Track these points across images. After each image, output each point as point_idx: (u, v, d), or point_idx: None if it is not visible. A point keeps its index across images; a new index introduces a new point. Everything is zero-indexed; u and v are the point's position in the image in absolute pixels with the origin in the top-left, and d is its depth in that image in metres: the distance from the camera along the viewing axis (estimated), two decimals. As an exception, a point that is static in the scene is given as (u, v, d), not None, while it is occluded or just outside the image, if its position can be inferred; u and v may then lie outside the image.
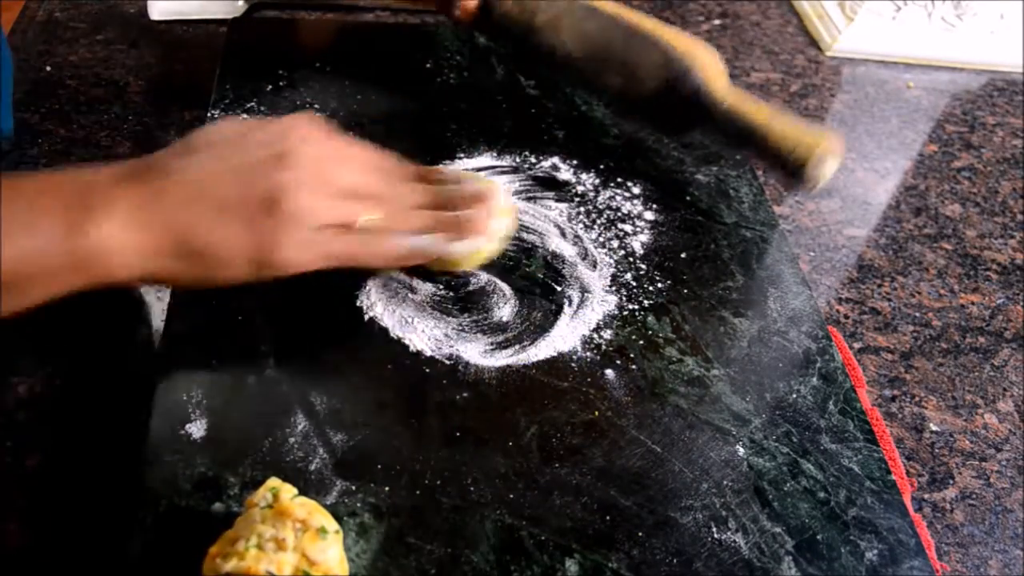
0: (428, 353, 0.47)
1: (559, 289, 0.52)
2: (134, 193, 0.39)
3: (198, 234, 0.40)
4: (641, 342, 0.49)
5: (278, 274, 0.42)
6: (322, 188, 0.42)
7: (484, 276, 0.51)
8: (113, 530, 0.39)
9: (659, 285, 0.53)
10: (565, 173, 0.60)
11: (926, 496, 0.48)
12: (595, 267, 0.53)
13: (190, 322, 0.46)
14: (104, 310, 0.51)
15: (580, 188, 0.59)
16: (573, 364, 0.47)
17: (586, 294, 0.51)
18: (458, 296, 0.50)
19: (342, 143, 0.46)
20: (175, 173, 0.40)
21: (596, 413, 0.45)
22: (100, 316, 0.50)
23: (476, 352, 0.47)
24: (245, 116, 0.60)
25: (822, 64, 0.83)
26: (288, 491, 0.37)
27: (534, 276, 0.52)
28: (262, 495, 0.36)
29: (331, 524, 0.36)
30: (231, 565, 0.34)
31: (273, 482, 0.37)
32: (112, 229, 0.38)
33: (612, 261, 0.54)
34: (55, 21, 0.72)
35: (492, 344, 0.48)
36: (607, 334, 0.49)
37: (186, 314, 0.47)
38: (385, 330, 0.48)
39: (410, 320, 0.48)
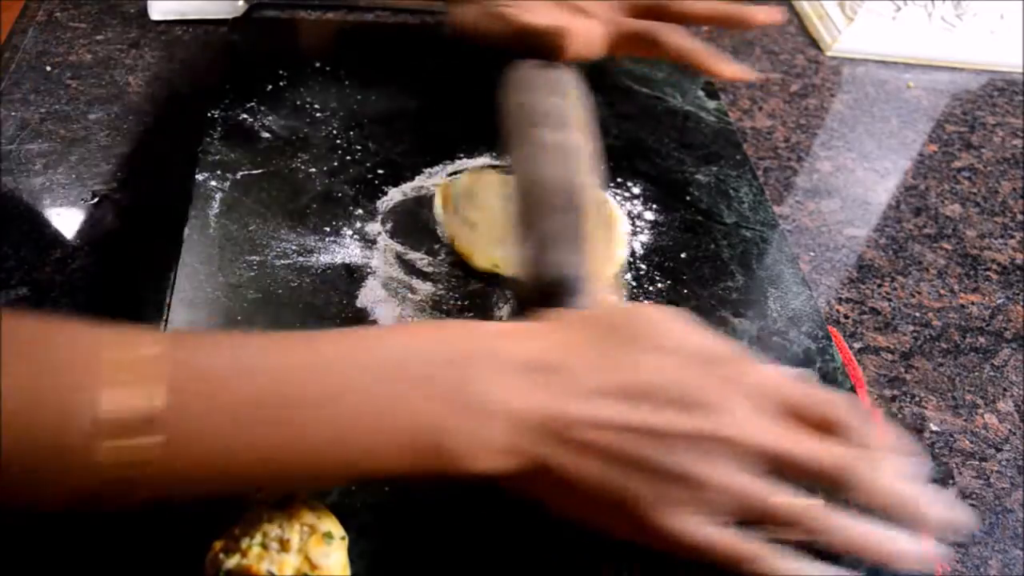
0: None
1: (559, 289, 0.52)
2: (522, 407, 0.33)
3: (566, 472, 0.34)
4: (641, 342, 0.49)
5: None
6: (735, 481, 0.34)
7: (484, 276, 0.51)
8: (113, 530, 0.39)
9: (659, 285, 0.53)
10: (565, 173, 0.60)
11: (926, 496, 0.48)
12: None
13: (190, 322, 0.46)
14: (104, 309, 0.51)
15: (580, 188, 0.59)
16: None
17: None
18: (458, 296, 0.50)
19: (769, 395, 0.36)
20: (574, 398, 0.34)
21: (596, 413, 0.45)
22: (101, 315, 0.50)
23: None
24: (245, 116, 0.60)
25: (822, 64, 0.83)
26: (301, 493, 0.37)
27: (534, 276, 0.52)
28: (276, 495, 0.36)
29: (338, 530, 0.36)
30: (233, 562, 0.34)
31: None
32: (484, 442, 0.33)
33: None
34: (55, 21, 0.72)
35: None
36: (607, 334, 0.49)
37: (187, 314, 0.47)
38: (385, 330, 0.48)
39: (410, 320, 0.48)
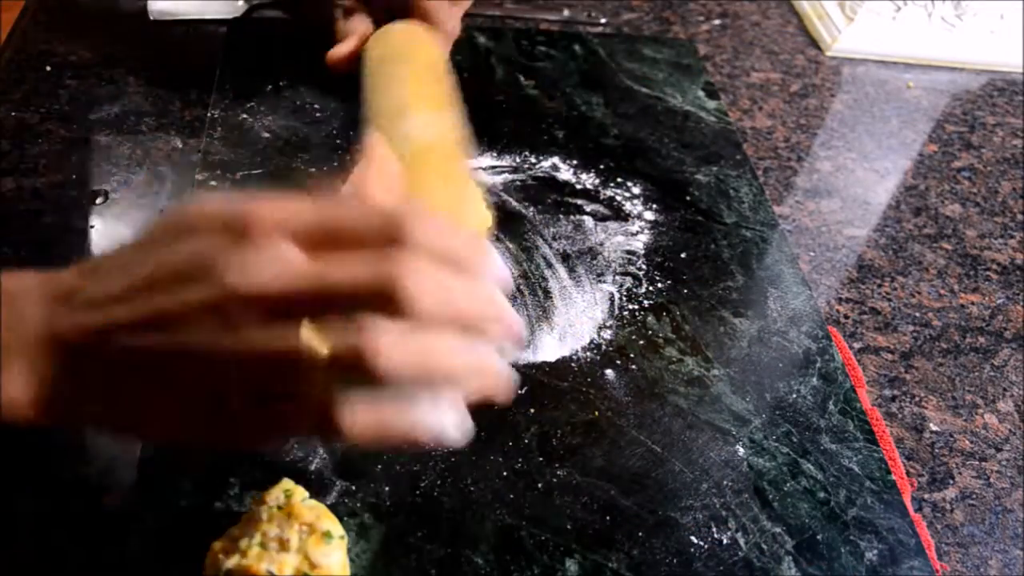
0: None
1: (559, 289, 0.52)
2: (51, 332, 0.31)
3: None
4: (641, 342, 0.49)
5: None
6: (259, 344, 0.28)
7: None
8: (113, 530, 0.39)
9: (659, 285, 0.53)
10: (565, 173, 0.60)
11: (926, 496, 0.48)
12: (595, 267, 0.53)
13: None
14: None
15: (580, 188, 0.59)
16: (573, 364, 0.47)
17: (586, 294, 0.51)
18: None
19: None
20: (93, 309, 0.31)
21: (596, 413, 0.45)
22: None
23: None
24: (245, 116, 0.60)
25: (822, 64, 0.83)
26: (300, 494, 0.37)
27: (534, 276, 0.52)
28: (275, 495, 0.36)
29: (337, 529, 0.36)
30: (233, 562, 0.34)
31: (286, 484, 0.37)
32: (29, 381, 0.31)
33: (612, 261, 0.54)
34: (55, 21, 0.71)
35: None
36: (607, 334, 0.49)
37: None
38: (385, 330, 0.47)
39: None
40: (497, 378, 0.30)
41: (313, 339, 0.28)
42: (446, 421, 0.29)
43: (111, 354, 0.30)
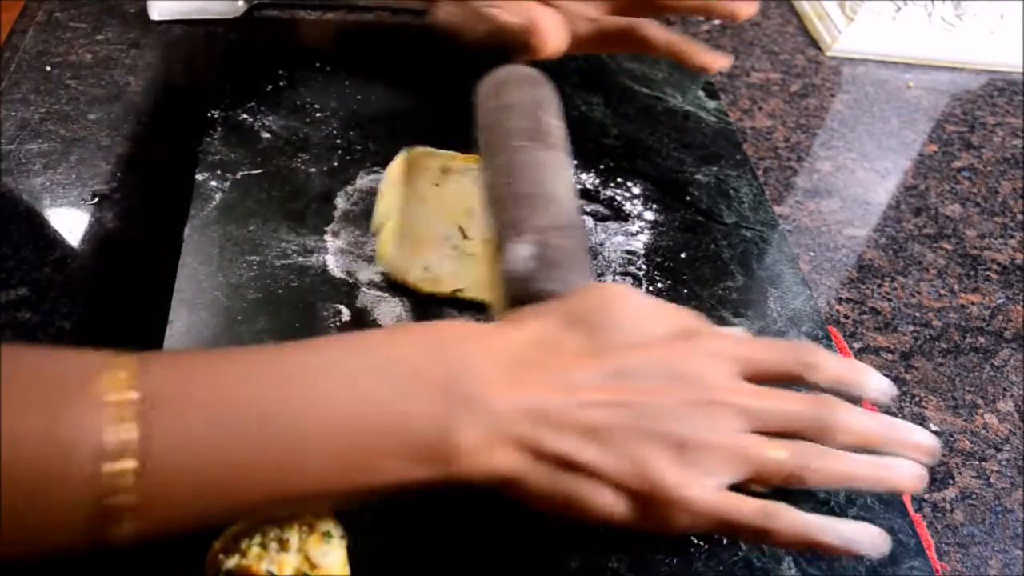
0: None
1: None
2: (521, 403, 0.33)
3: (580, 466, 0.34)
4: (641, 342, 0.49)
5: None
6: (740, 443, 0.35)
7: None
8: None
9: (659, 285, 0.53)
10: (565, 173, 0.60)
11: (926, 496, 0.48)
12: (595, 267, 0.53)
13: (190, 322, 0.46)
14: (104, 309, 0.51)
15: (580, 188, 0.59)
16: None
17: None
18: (457, 296, 0.50)
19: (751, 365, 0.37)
20: (570, 384, 0.34)
21: (596, 413, 0.45)
22: (101, 315, 0.50)
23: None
24: (245, 116, 0.60)
25: (822, 64, 0.83)
26: None
27: (534, 276, 0.52)
28: None
29: (337, 529, 0.36)
30: (233, 562, 0.34)
31: None
32: (487, 438, 0.32)
33: (612, 261, 0.54)
34: (55, 21, 0.72)
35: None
36: (607, 334, 0.49)
37: (187, 314, 0.47)
38: (385, 330, 0.48)
39: (410, 320, 0.48)
40: (901, 478, 0.37)
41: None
42: (857, 534, 0.36)
43: (579, 424, 0.34)
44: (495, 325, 0.37)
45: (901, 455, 0.37)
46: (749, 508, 0.35)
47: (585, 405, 0.34)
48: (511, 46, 0.55)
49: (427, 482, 0.32)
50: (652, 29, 0.56)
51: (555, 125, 0.50)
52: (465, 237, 0.52)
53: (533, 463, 0.33)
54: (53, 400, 0.28)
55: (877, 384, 0.38)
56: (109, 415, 0.28)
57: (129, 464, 0.28)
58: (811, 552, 0.38)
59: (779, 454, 0.35)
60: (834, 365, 0.37)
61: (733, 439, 0.35)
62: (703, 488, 0.34)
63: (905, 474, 0.37)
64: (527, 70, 0.53)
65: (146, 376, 0.30)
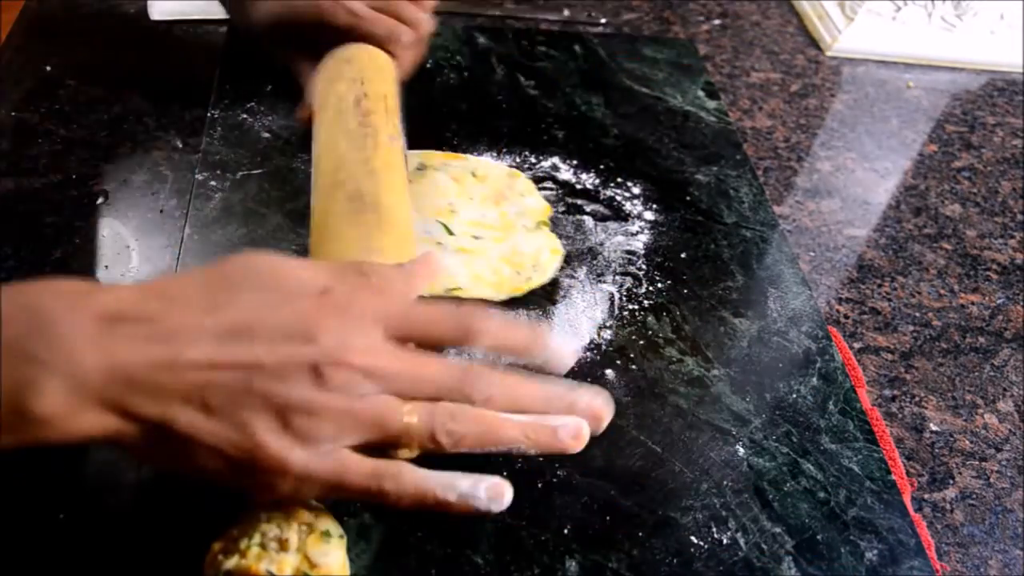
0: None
1: (559, 289, 0.51)
2: (107, 361, 0.31)
3: (179, 428, 0.32)
4: (641, 342, 0.49)
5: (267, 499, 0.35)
6: (360, 405, 0.33)
7: (484, 276, 0.51)
8: (113, 529, 0.39)
9: (659, 285, 0.53)
10: (565, 173, 0.60)
11: (926, 496, 0.48)
12: (595, 267, 0.53)
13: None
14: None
15: (580, 188, 0.59)
16: (573, 364, 0.47)
17: (586, 294, 0.51)
18: (454, 295, 0.50)
19: (372, 319, 0.35)
20: (165, 345, 0.32)
21: (596, 413, 0.45)
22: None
23: (476, 352, 0.47)
24: (245, 116, 0.60)
25: (822, 64, 0.83)
26: None
27: (534, 276, 0.52)
28: None
29: (336, 529, 0.36)
30: (232, 563, 0.34)
31: None
32: (70, 401, 0.30)
33: (612, 261, 0.54)
34: (55, 21, 0.71)
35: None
36: (607, 334, 0.49)
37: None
38: (385, 330, 0.47)
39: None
40: (554, 438, 0.36)
41: None
42: (474, 488, 0.35)
43: (177, 387, 0.32)
44: (111, 285, 0.35)
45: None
46: (361, 470, 0.34)
47: (188, 367, 0.32)
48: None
49: (18, 446, 0.31)
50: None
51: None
52: (450, 233, 0.52)
53: (128, 425, 0.32)
54: None
55: (554, 352, 0.37)
56: None
57: None
58: (438, 509, 0.35)
59: (410, 418, 0.34)
60: (498, 331, 0.36)
61: (353, 402, 0.33)
62: (309, 454, 0.33)
63: (561, 434, 0.36)
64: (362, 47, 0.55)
65: None
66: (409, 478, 0.34)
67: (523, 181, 0.57)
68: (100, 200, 0.56)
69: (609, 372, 0.47)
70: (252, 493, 0.35)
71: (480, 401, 0.35)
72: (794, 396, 0.48)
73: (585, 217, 0.57)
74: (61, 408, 0.30)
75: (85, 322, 0.31)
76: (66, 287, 0.32)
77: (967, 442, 0.51)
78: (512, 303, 0.50)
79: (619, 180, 0.60)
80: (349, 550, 0.37)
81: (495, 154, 0.60)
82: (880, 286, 0.60)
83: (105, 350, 0.31)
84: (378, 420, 0.34)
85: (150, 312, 0.32)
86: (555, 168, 0.60)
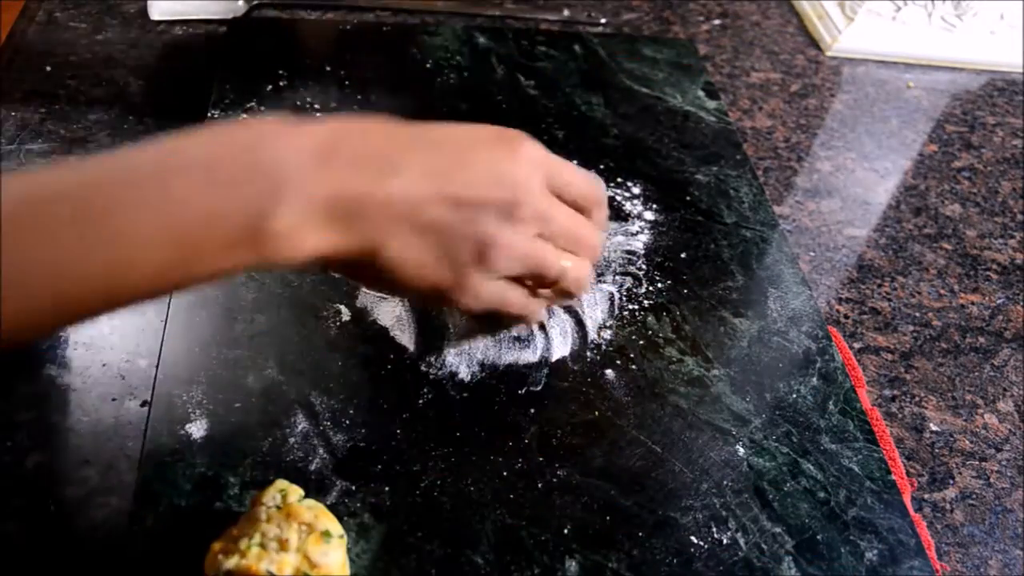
0: (428, 353, 0.47)
1: (559, 289, 0.52)
2: (334, 188, 0.34)
3: (390, 254, 0.36)
4: (641, 342, 0.49)
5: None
6: (534, 247, 0.40)
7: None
8: (113, 530, 0.39)
9: (659, 285, 0.53)
10: (565, 173, 0.60)
11: (926, 496, 0.48)
12: (595, 267, 0.53)
13: (190, 322, 0.46)
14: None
15: (580, 188, 0.59)
16: (573, 364, 0.47)
17: (586, 294, 0.51)
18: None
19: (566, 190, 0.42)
20: (386, 178, 0.36)
21: (596, 413, 0.45)
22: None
23: (476, 352, 0.47)
24: (245, 116, 0.60)
25: (822, 64, 0.83)
26: (295, 493, 0.37)
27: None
28: (271, 495, 0.36)
29: (336, 528, 0.36)
30: (232, 563, 0.34)
31: (281, 484, 0.37)
32: (301, 221, 0.34)
33: (612, 261, 0.54)
34: (55, 21, 0.71)
35: (492, 344, 0.48)
36: (607, 334, 0.49)
37: (186, 314, 0.47)
38: (385, 330, 0.48)
39: (409, 320, 0.48)
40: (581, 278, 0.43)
41: None
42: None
43: (391, 215, 0.36)
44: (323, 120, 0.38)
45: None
46: (518, 300, 0.41)
47: (400, 199, 0.36)
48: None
49: (250, 267, 0.34)
50: None
51: None
52: None
53: (346, 246, 0.35)
54: None
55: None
56: None
57: None
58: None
59: (566, 263, 0.41)
60: (605, 215, 0.44)
61: (526, 243, 0.39)
62: (487, 279, 0.39)
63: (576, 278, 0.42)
64: None
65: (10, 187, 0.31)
66: (535, 307, 0.43)
67: None
68: (100, 200, 0.56)
69: (609, 372, 0.47)
70: (430, 304, 0.45)
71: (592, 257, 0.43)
72: (794, 396, 0.48)
73: (585, 217, 0.57)
74: (292, 228, 0.33)
75: (304, 156, 0.34)
76: (275, 124, 0.35)
77: (967, 442, 0.51)
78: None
79: (619, 180, 0.60)
80: (349, 550, 0.37)
81: (495, 154, 0.60)
82: (880, 286, 0.60)
83: (326, 180, 0.34)
84: (542, 262, 0.40)
85: (371, 147, 0.36)
86: (555, 168, 0.60)
